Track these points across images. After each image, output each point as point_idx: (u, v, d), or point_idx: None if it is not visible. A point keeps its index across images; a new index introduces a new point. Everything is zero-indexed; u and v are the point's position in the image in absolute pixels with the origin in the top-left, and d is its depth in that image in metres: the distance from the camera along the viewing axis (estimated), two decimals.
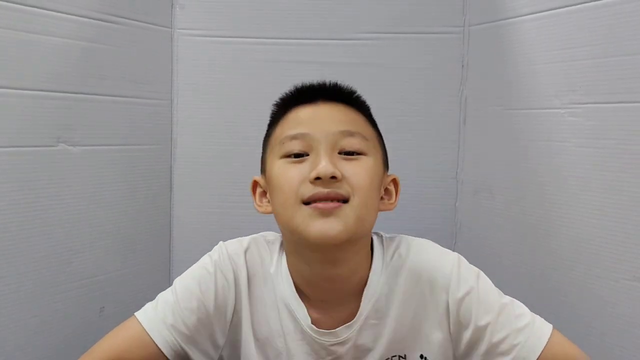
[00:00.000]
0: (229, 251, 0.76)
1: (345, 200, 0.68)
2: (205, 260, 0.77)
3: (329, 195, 0.67)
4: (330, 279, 0.73)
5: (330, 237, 0.67)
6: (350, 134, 0.70)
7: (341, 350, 0.73)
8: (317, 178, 0.67)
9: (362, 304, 0.73)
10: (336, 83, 0.77)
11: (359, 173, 0.69)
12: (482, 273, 0.75)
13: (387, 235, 0.79)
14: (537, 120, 1.00)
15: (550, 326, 0.71)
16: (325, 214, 0.67)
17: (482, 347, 0.71)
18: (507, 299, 0.73)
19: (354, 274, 0.74)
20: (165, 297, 0.75)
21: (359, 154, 0.71)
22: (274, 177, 0.71)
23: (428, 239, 1.16)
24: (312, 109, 0.73)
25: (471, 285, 0.72)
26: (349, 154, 0.70)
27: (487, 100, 1.12)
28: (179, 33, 1.19)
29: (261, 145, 1.18)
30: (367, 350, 0.74)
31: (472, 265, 0.76)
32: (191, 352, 0.74)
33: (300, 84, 0.79)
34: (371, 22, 1.17)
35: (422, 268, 0.74)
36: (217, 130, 1.21)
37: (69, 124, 0.99)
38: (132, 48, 1.10)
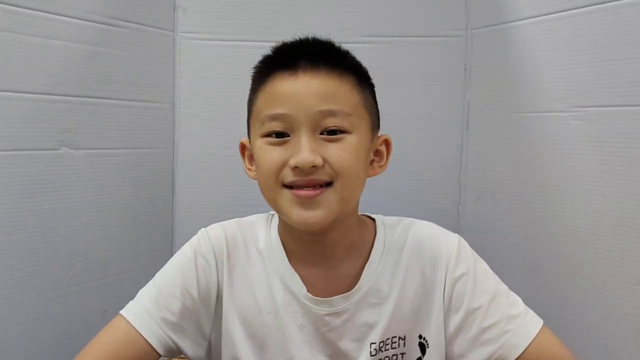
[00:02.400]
0: (210, 235, 0.76)
1: (328, 184, 0.67)
2: (185, 247, 0.76)
3: (309, 182, 0.66)
4: (321, 243, 0.73)
5: (312, 225, 0.67)
6: (331, 113, 0.66)
7: (337, 321, 0.72)
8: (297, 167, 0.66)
9: (361, 278, 0.73)
10: (317, 41, 0.72)
11: (341, 155, 0.66)
12: (481, 259, 0.75)
13: (390, 218, 0.79)
14: (540, 124, 0.99)
15: (541, 321, 0.71)
16: (306, 202, 0.66)
17: (472, 331, 0.71)
18: (504, 287, 0.73)
19: (344, 238, 0.73)
20: (146, 290, 0.74)
21: (342, 132, 0.67)
22: (256, 155, 0.70)
23: None
24: (291, 82, 0.67)
25: (468, 267, 0.72)
26: (331, 132, 0.67)
27: (490, 104, 1.12)
28: (181, 37, 1.19)
29: None
30: (367, 330, 0.73)
31: (471, 249, 0.76)
32: (180, 341, 0.72)
33: (280, 44, 0.74)
34: (373, 26, 1.17)
35: (424, 243, 0.74)
36: (219, 133, 1.21)
37: (71, 127, 1.00)
38: (135, 51, 1.10)
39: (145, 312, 0.71)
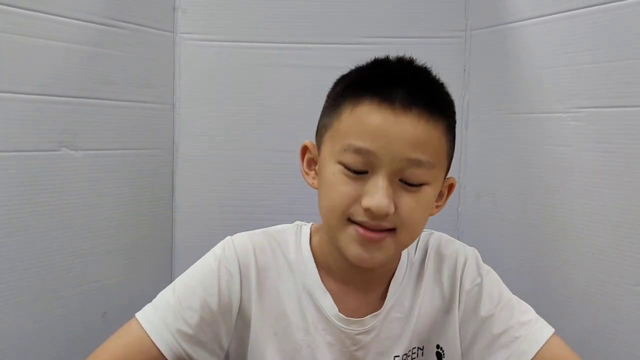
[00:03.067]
0: (235, 244, 0.73)
1: (392, 229, 0.65)
2: (209, 256, 0.73)
3: (376, 227, 0.64)
4: (360, 270, 0.71)
5: (367, 263, 0.66)
6: (417, 163, 0.63)
7: (366, 339, 0.72)
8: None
9: (388, 294, 0.73)
10: (416, 69, 0.68)
11: (414, 208, 0.64)
12: (493, 271, 0.76)
13: None
14: (539, 124, 1.00)
15: (552, 329, 0.71)
16: (368, 243, 0.65)
17: (485, 340, 0.71)
18: (515, 297, 0.74)
19: (382, 267, 0.72)
20: (166, 297, 0.71)
21: (421, 184, 0.65)
22: (326, 178, 0.67)
23: None
24: (385, 116, 0.62)
25: (481, 277, 0.74)
26: (410, 184, 0.64)
27: (489, 105, 1.12)
28: (180, 37, 1.19)
29: (263, 150, 1.19)
30: (392, 344, 0.73)
31: (484, 263, 0.77)
32: (195, 353, 0.70)
33: (376, 62, 0.70)
34: (373, 26, 1.18)
35: (443, 257, 0.75)
36: (219, 134, 1.21)
37: (71, 128, 0.99)
38: (135, 52, 1.10)
39: (161, 320, 0.69)
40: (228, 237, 0.74)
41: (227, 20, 1.19)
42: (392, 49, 1.18)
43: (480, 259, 0.76)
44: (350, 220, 0.65)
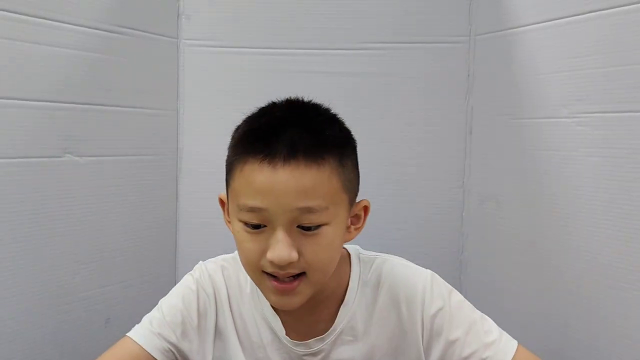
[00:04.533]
0: (208, 269, 0.80)
1: (302, 272, 0.69)
2: (187, 279, 0.80)
3: (285, 275, 0.68)
4: None
5: (287, 308, 0.72)
6: (308, 210, 0.66)
7: None
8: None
9: (337, 319, 0.76)
10: (296, 120, 0.70)
11: (316, 251, 0.67)
12: (454, 290, 0.78)
13: (365, 254, 0.81)
14: (544, 129, 0.99)
15: (516, 342, 0.74)
16: (282, 292, 0.69)
17: None
18: (478, 314, 0.77)
19: (320, 293, 0.75)
20: (152, 315, 0.78)
21: (318, 226, 0.68)
22: (235, 235, 0.71)
23: (434, 249, 1.18)
24: (269, 174, 0.65)
25: (444, 301, 0.75)
26: (307, 228, 0.67)
27: (494, 110, 1.12)
28: (184, 44, 1.19)
29: None
30: None
31: (444, 282, 0.78)
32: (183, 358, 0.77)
33: (257, 119, 0.72)
34: (377, 32, 1.18)
35: (398, 283, 0.77)
36: (223, 140, 1.19)
37: (75, 134, 1.00)
38: (139, 59, 1.11)
39: (150, 332, 0.75)
40: (201, 263, 0.82)
41: (231, 26, 1.19)
42: (396, 54, 1.19)
43: (439, 280, 0.78)
44: (264, 273, 0.69)
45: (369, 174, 1.21)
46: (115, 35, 1.06)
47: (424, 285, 0.76)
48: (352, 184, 0.73)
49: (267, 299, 0.73)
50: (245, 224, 0.68)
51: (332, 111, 0.75)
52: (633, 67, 0.84)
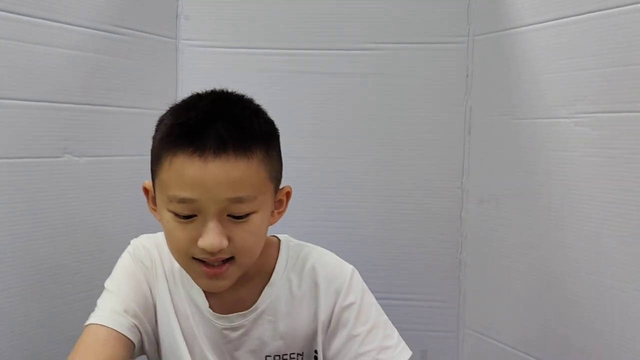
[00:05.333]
0: (142, 243, 0.83)
1: (231, 257, 0.72)
2: (125, 255, 0.83)
3: (215, 260, 0.71)
4: None
5: (216, 290, 0.76)
6: (238, 200, 0.69)
7: (233, 335, 0.79)
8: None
9: (260, 298, 0.79)
10: (225, 114, 0.71)
11: (245, 237, 0.71)
12: (369, 291, 0.81)
13: (294, 242, 0.84)
14: (543, 129, 1.00)
15: (410, 353, 0.78)
16: (212, 276, 0.72)
17: (349, 355, 0.78)
18: (384, 318, 0.80)
19: (245, 273, 0.77)
20: (103, 297, 0.79)
21: (247, 214, 0.70)
22: (164, 224, 0.73)
23: (433, 249, 1.18)
24: (199, 167, 0.67)
25: (357, 297, 0.79)
26: (237, 217, 0.70)
27: (492, 110, 1.12)
28: (183, 44, 1.19)
29: None
30: (263, 344, 0.80)
31: (363, 281, 0.82)
32: (143, 334, 0.78)
33: (185, 111, 0.73)
34: (376, 32, 1.18)
35: (321, 272, 0.80)
36: None
37: (74, 135, 1.00)
38: (138, 59, 1.11)
39: (111, 312, 0.76)
40: (134, 239, 0.84)
41: (230, 26, 1.19)
42: (395, 55, 1.19)
43: (359, 278, 0.81)
44: (194, 258, 0.71)
45: (367, 174, 1.22)
46: (115, 35, 1.06)
47: (344, 278, 0.80)
48: (277, 172, 0.76)
49: (196, 283, 0.75)
50: (175, 215, 0.70)
51: (255, 102, 0.77)
52: (632, 67, 0.84)
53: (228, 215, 0.69)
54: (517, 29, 1.05)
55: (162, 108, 1.18)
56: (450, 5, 1.17)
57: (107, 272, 1.06)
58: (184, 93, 1.20)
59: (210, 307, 0.79)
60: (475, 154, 1.17)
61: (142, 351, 0.80)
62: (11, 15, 0.89)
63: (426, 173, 1.19)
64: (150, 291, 0.80)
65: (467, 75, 1.17)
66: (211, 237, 0.68)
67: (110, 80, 1.06)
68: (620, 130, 0.86)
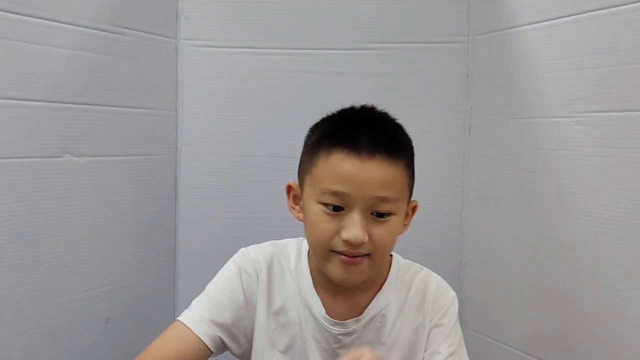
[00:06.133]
0: (249, 253, 0.86)
1: (367, 253, 0.77)
2: (229, 264, 0.86)
3: (354, 254, 0.76)
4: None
5: (348, 284, 0.79)
6: (385, 199, 0.75)
7: (347, 340, 0.83)
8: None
9: (372, 304, 0.84)
10: (377, 118, 0.80)
11: (384, 236, 0.76)
12: (458, 320, 0.86)
13: (404, 260, 0.89)
14: (544, 129, 0.99)
15: None
16: (349, 268, 0.77)
17: None
18: (464, 350, 0.85)
19: (365, 280, 0.82)
20: (200, 300, 0.84)
21: (389, 214, 0.76)
22: (310, 217, 0.78)
23: (433, 249, 1.18)
24: (354, 163, 0.75)
25: (451, 321, 0.84)
26: (380, 215, 0.76)
27: (493, 109, 1.12)
28: (183, 44, 1.19)
29: (265, 156, 1.20)
30: (371, 348, 0.80)
31: (457, 309, 0.87)
32: (229, 341, 0.83)
33: (346, 114, 0.81)
34: (376, 32, 1.18)
35: (428, 290, 0.85)
36: (222, 140, 1.21)
37: (74, 134, 1.00)
38: (137, 59, 1.11)
39: (199, 316, 0.82)
40: (242, 249, 0.87)
41: (230, 26, 1.20)
42: (395, 55, 1.19)
43: (457, 305, 0.86)
44: (333, 251, 0.77)
45: None
46: (114, 35, 1.06)
47: (448, 300, 0.85)
48: (412, 185, 0.82)
49: (331, 276, 0.79)
50: (326, 205, 0.76)
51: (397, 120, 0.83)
52: (632, 67, 0.84)
53: (371, 213, 0.75)
54: (517, 29, 1.05)
55: (162, 107, 1.19)
56: (450, 5, 1.17)
57: (106, 273, 1.07)
58: (183, 93, 1.20)
59: (327, 314, 0.83)
60: (476, 153, 1.17)
61: (230, 351, 0.85)
62: (11, 15, 0.89)
63: (426, 172, 1.17)
64: (252, 301, 0.84)
65: (467, 75, 1.17)
66: (355, 230, 0.74)
67: (110, 80, 1.06)
68: (621, 130, 0.86)
